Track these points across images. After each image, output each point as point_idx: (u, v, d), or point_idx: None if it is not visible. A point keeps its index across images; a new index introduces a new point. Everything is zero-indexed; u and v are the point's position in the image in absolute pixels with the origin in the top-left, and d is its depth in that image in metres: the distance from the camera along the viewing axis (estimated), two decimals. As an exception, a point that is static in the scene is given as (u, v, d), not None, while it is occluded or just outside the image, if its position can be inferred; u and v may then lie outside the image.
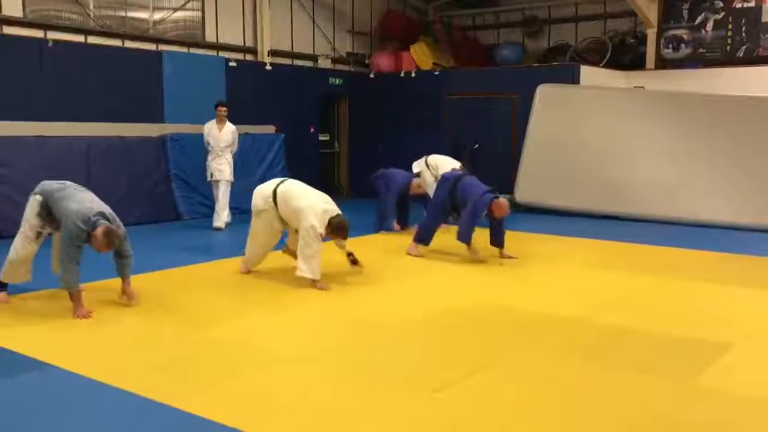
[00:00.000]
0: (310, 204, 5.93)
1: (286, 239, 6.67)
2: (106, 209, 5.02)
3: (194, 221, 9.93)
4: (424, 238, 7.55)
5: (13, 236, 5.40)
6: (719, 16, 12.07)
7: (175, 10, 11.09)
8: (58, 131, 9.15)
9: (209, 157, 9.31)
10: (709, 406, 3.57)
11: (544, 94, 11.33)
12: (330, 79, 13.35)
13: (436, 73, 13.29)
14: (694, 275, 6.63)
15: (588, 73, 11.92)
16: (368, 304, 5.57)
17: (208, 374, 3.96)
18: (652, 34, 12.58)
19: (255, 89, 11.70)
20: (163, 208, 10.03)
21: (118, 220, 5.08)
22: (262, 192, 6.30)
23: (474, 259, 7.11)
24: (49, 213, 5.10)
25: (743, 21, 11.85)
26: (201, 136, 9.55)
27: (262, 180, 11.68)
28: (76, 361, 4.10)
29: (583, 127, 10.95)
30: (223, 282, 6.22)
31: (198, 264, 6.98)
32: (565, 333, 4.83)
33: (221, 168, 9.22)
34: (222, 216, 9.27)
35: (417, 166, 9.76)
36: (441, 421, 3.35)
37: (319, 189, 6.65)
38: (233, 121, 9.62)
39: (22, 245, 5.25)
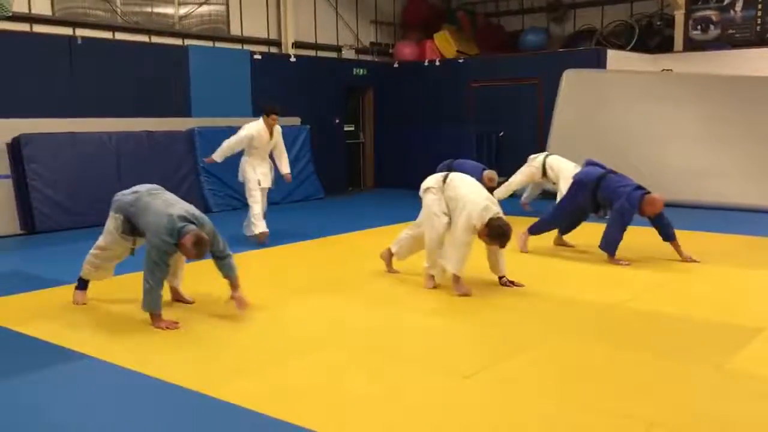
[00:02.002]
0: (476, 195, 5.35)
1: (394, 245, 6.10)
2: (188, 209, 4.64)
3: (223, 213, 10.04)
4: (537, 233, 7.09)
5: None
6: (749, -4, 11.83)
7: (200, 4, 11.18)
8: (87, 127, 9.30)
9: (248, 159, 8.00)
10: (735, 390, 3.55)
11: (570, 79, 11.22)
12: (354, 69, 13.37)
13: (460, 61, 13.23)
14: (724, 260, 6.55)
15: (614, 58, 11.78)
16: (407, 291, 5.59)
17: (241, 362, 4.02)
18: (679, 15, 12.38)
19: (280, 81, 11.76)
20: (192, 202, 10.09)
21: (201, 216, 4.72)
22: (432, 177, 5.78)
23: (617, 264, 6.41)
24: (133, 228, 4.81)
25: (773, 0, 11.61)
26: (228, 130, 9.57)
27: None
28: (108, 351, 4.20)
29: (610, 112, 10.83)
30: (255, 271, 6.28)
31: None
32: (598, 319, 4.81)
33: (266, 173, 8.07)
34: (263, 223, 7.94)
35: (533, 161, 9.44)
36: (470, 405, 3.37)
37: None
38: (259, 115, 9.64)
39: (104, 259, 5.08)
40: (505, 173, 12.17)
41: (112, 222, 4.92)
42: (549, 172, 9.17)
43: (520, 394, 3.53)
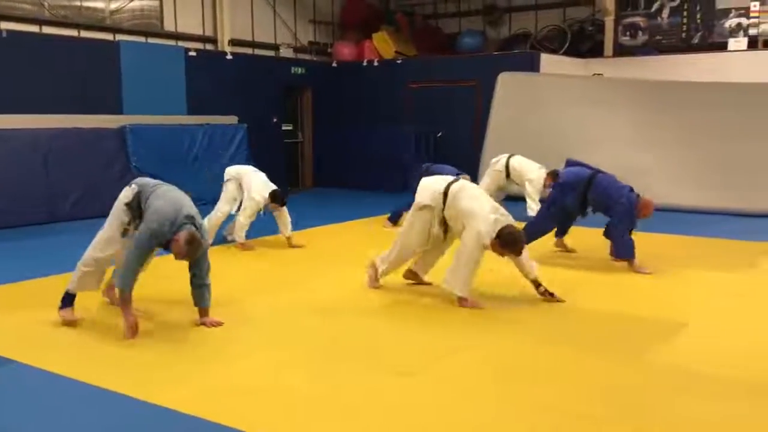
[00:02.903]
0: (482, 209, 4.99)
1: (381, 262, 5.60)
2: (197, 214, 4.46)
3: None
4: (527, 242, 6.39)
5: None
6: (675, 3, 12.29)
7: (132, -1, 10.89)
8: (12, 124, 8.93)
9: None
10: (658, 383, 3.68)
11: (505, 81, 11.42)
12: (292, 68, 13.26)
13: (399, 61, 13.30)
14: (655, 258, 6.77)
15: (548, 61, 12.06)
16: (350, 291, 5.57)
17: (180, 367, 3.93)
18: (609, 21, 12.77)
19: (216, 79, 11.56)
20: (124, 201, 9.86)
21: (205, 230, 4.60)
22: (430, 187, 5.31)
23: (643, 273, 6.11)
24: (138, 207, 4.52)
25: (698, 8, 12.09)
26: (162, 127, 9.39)
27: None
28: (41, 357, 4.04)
29: (544, 115, 11.06)
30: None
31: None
32: (533, 317, 4.91)
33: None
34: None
35: (495, 164, 9.10)
36: (411, 403, 3.38)
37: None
38: (194, 112, 9.52)
39: (105, 245, 4.63)
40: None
41: (125, 192, 4.63)
42: (512, 173, 8.91)
43: (459, 392, 3.56)
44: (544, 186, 8.44)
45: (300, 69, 13.40)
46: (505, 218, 5.01)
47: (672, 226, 8.44)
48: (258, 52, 12.92)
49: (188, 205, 4.47)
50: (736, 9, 11.75)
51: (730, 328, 4.62)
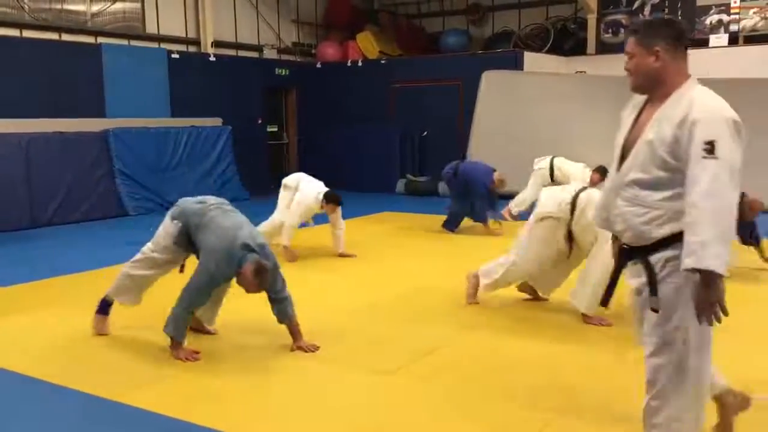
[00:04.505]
0: None
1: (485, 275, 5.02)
2: (254, 235, 4.00)
3: (141, 217, 9.76)
4: None
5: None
6: (656, 1, 12.37)
7: (114, 1, 10.83)
8: (-6, 128, 8.88)
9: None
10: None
11: (490, 80, 11.46)
12: (276, 69, 13.24)
13: (383, 61, 13.31)
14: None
15: (531, 59, 12.11)
16: (330, 292, 5.58)
17: (160, 368, 3.92)
18: (592, 19, 12.83)
19: (199, 81, 11.53)
20: (108, 205, 9.82)
21: (265, 245, 4.05)
22: (556, 194, 4.79)
23: None
24: (189, 241, 4.12)
25: (679, 5, 12.17)
26: (146, 130, 9.36)
27: (210, 173, 11.53)
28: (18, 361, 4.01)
29: (528, 112, 11.11)
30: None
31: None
32: (512, 313, 4.93)
33: None
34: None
35: (538, 167, 8.91)
36: (392, 402, 3.39)
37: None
38: (178, 115, 9.49)
39: (145, 265, 4.29)
40: (429, 172, 12.35)
41: (169, 228, 4.18)
42: (557, 174, 8.70)
43: (441, 389, 3.57)
44: (591, 184, 8.04)
45: (284, 70, 13.38)
46: None
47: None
48: (241, 53, 12.89)
49: (243, 231, 3.96)
50: (717, 5, 11.83)
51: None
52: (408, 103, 12.79)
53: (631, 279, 2.51)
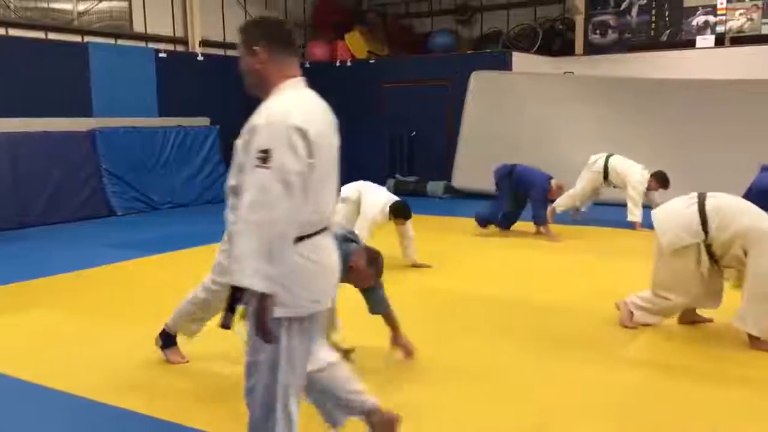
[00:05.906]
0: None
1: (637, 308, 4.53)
2: (343, 224, 3.53)
3: (129, 217, 9.70)
4: None
5: None
6: (644, 2, 12.42)
7: (100, 0, 10.76)
8: (-21, 128, 8.80)
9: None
10: (628, 378, 3.72)
11: (478, 80, 11.49)
12: (264, 69, 13.17)
13: (372, 61, 13.31)
14: (624, 253, 6.85)
15: (520, 60, 12.14)
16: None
17: (144, 370, 3.89)
18: (579, 20, 12.88)
19: (187, 81, 11.47)
20: (95, 205, 9.76)
21: (354, 232, 3.75)
22: (679, 216, 4.31)
23: None
24: None
25: (666, 6, 12.23)
26: (133, 130, 9.32)
27: (197, 173, 11.45)
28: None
29: (516, 113, 11.14)
30: (168, 272, 6.11)
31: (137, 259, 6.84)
32: (503, 314, 4.94)
33: None
34: None
35: (592, 165, 8.50)
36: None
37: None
38: (166, 114, 9.44)
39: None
40: (419, 172, 12.36)
41: None
42: (612, 174, 8.25)
43: (427, 388, 3.57)
44: (648, 189, 7.96)
45: (272, 70, 13.32)
46: None
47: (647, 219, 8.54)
48: (230, 52, 12.83)
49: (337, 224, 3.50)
50: (703, 7, 11.91)
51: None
52: (397, 103, 12.79)
53: None
